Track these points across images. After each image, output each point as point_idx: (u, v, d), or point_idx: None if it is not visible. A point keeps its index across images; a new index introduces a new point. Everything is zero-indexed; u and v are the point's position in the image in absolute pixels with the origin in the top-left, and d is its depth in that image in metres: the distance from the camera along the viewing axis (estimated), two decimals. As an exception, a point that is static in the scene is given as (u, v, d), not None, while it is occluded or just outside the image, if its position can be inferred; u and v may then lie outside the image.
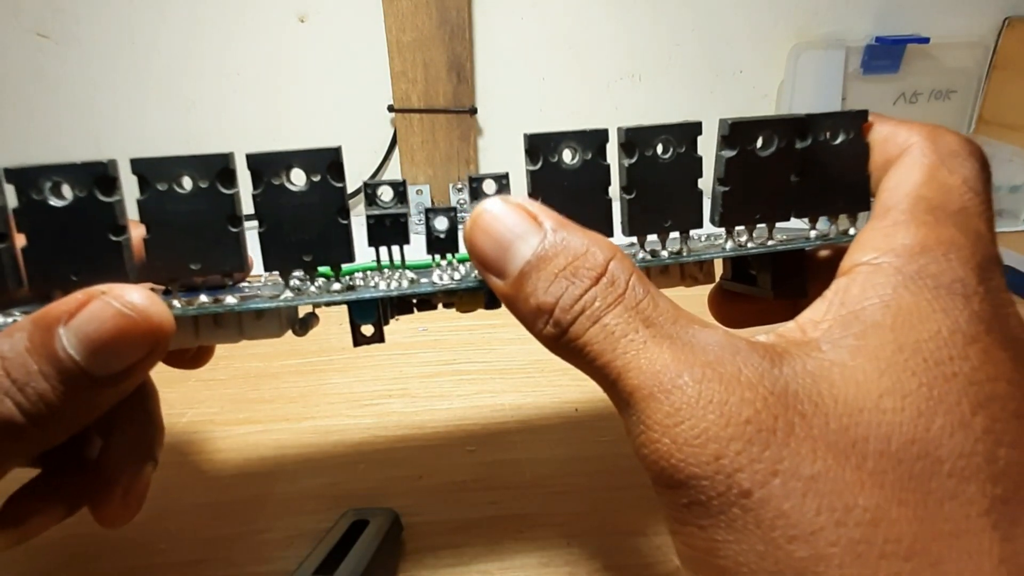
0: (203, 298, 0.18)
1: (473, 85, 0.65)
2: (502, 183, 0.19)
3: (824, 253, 0.23)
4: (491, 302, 0.21)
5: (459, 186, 0.68)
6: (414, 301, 0.22)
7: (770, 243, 0.20)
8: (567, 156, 0.18)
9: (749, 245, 0.20)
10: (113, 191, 0.16)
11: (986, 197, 0.17)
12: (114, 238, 0.16)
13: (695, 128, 0.19)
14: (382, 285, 0.19)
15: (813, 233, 0.20)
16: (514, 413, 0.35)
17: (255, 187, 0.17)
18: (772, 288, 0.22)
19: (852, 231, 0.20)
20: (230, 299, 0.18)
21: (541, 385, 0.38)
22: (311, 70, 0.65)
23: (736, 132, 0.18)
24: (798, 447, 0.13)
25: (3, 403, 0.14)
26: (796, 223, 0.20)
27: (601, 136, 0.18)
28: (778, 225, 0.20)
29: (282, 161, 0.17)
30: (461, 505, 0.29)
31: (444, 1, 0.61)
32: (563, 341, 0.16)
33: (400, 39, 0.62)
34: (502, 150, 0.68)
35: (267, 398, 0.37)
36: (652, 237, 0.20)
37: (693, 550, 0.14)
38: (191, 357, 0.25)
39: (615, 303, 0.15)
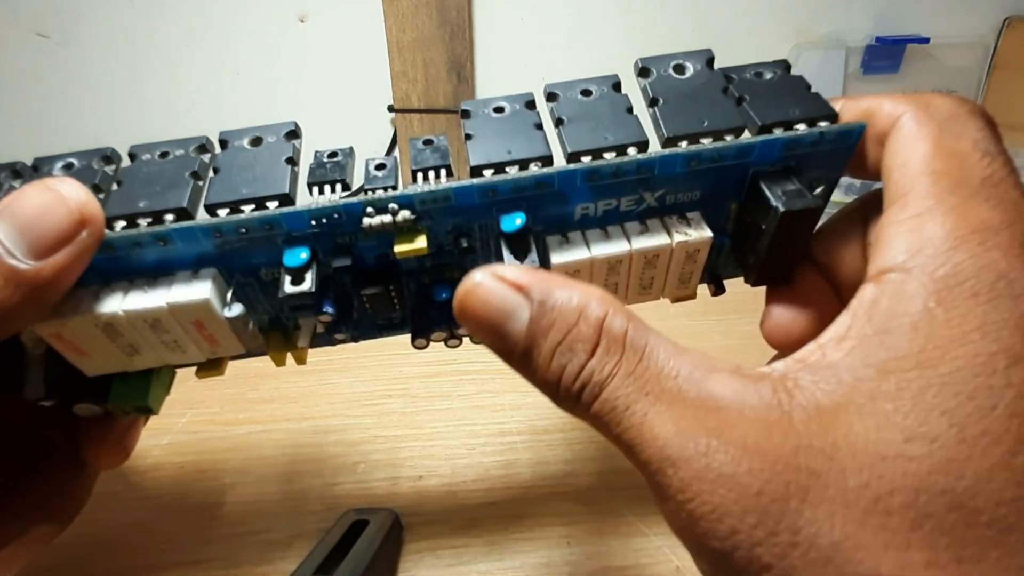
0: (142, 223, 0.18)
1: (473, 85, 0.65)
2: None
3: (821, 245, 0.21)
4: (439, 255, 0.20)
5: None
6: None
7: (723, 142, 0.18)
8: (504, 109, 0.20)
9: (703, 141, 0.18)
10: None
11: (1006, 158, 0.15)
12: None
13: (613, 77, 0.20)
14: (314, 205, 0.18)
15: (778, 131, 0.18)
16: (514, 413, 0.35)
17: (221, 150, 0.20)
18: (750, 279, 0.21)
19: (823, 124, 0.18)
20: (168, 217, 0.18)
21: (541, 385, 0.38)
22: (311, 70, 0.65)
23: (647, 63, 0.20)
24: (814, 514, 0.13)
25: None
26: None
27: (526, 96, 0.20)
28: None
29: (247, 132, 0.20)
30: (461, 505, 0.29)
31: (444, 1, 0.61)
32: (579, 412, 0.16)
33: (400, 39, 0.62)
34: (502, 150, 0.68)
35: (267, 398, 0.37)
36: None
37: None
38: (111, 446, 0.23)
39: (613, 371, 0.15)
